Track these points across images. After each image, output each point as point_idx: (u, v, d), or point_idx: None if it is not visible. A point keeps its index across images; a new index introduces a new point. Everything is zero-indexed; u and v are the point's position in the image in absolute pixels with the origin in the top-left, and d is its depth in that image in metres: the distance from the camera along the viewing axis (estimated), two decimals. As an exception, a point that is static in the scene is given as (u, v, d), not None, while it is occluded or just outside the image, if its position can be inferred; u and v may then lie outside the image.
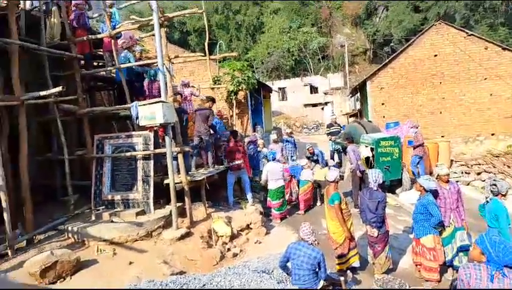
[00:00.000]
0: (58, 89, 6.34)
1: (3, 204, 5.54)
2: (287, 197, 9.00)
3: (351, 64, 38.31)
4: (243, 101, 14.19)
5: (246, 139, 11.00)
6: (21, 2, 7.86)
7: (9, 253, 5.53)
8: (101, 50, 9.41)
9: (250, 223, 7.40)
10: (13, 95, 6.30)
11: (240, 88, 13.39)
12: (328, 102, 34.84)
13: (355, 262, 5.52)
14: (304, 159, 9.71)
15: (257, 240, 7.03)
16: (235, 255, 6.34)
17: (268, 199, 8.57)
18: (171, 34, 40.41)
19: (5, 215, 5.50)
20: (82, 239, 6.16)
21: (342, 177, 6.30)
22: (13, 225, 5.73)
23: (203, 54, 11.27)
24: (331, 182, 5.56)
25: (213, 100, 8.87)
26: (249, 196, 8.56)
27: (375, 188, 5.39)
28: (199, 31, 42.00)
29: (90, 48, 8.82)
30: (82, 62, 8.64)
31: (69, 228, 6.33)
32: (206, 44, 9.36)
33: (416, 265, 5.53)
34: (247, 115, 14.43)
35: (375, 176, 5.40)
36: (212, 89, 12.00)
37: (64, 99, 7.38)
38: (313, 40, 39.08)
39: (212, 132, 8.66)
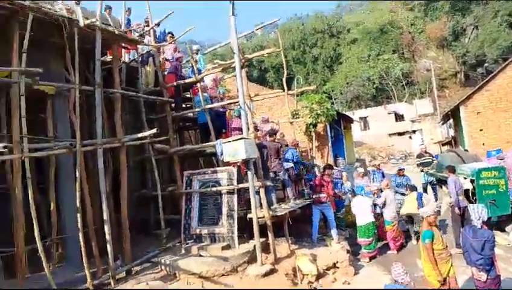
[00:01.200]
0: (154, 131, 6.98)
1: (107, 237, 6.11)
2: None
3: (440, 89, 35.70)
4: (322, 133, 14.02)
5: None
6: (123, 56, 9.05)
7: (112, 283, 6.01)
8: (189, 93, 10.23)
9: (337, 262, 7.02)
10: (116, 137, 7.09)
11: (319, 120, 13.29)
12: (416, 130, 32.64)
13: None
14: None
15: (345, 280, 6.62)
16: (321, 295, 6.03)
17: (357, 236, 8.12)
18: (251, 72, 42.47)
19: (108, 247, 6.05)
20: (173, 272, 6.45)
21: (438, 213, 5.70)
22: (114, 256, 6.27)
23: (281, 90, 11.55)
24: (425, 217, 5.07)
25: (275, 133, 8.74)
26: (334, 232, 8.19)
27: (479, 226, 4.75)
28: (276, 67, 43.49)
29: (179, 92, 9.64)
30: (172, 105, 9.47)
31: (162, 261, 6.69)
32: (284, 80, 9.60)
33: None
34: (327, 147, 14.16)
35: (478, 212, 4.78)
36: (291, 123, 12.10)
37: (158, 139, 8.06)
38: (395, 66, 37.61)
39: (288, 165, 8.56)
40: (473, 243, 4.71)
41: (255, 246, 6.55)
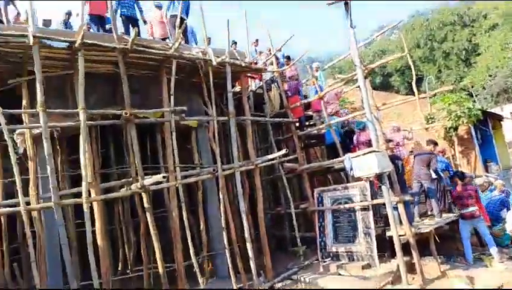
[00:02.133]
0: (283, 151, 7.29)
1: (250, 253, 6.53)
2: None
3: None
4: (465, 136, 12.36)
5: (477, 181, 9.34)
6: (249, 84, 9.79)
7: (256, 298, 6.37)
8: (310, 111, 10.36)
9: (502, 286, 5.96)
10: (249, 160, 7.61)
11: (460, 122, 11.78)
12: None
13: None
14: None
15: (515, 308, 5.56)
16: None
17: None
18: (373, 79, 40.58)
19: (251, 264, 6.46)
20: (313, 290, 6.47)
21: None
22: (257, 273, 6.64)
23: (408, 94, 10.70)
24: None
25: (435, 143, 8.04)
26: (493, 250, 7.00)
27: None
28: (401, 70, 40.51)
29: (303, 111, 9.85)
30: (297, 124, 9.73)
31: (302, 278, 6.78)
32: (413, 84, 8.89)
33: None
34: (473, 151, 12.39)
35: None
36: (426, 129, 11.04)
37: (287, 159, 8.34)
38: (553, 48, 31.01)
39: (435, 176, 7.76)
40: None
41: (398, 265, 6.08)
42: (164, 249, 7.18)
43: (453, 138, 11.97)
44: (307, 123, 10.90)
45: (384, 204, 6.40)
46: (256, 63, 9.60)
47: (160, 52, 6.32)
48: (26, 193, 5.08)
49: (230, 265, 6.27)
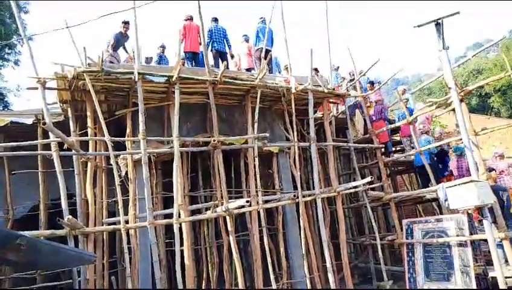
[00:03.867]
0: (368, 179, 7.02)
1: (331, 284, 6.30)
2: None
3: None
4: None
5: None
6: (331, 109, 9.71)
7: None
8: (398, 136, 9.84)
9: None
10: (331, 187, 7.45)
11: None
12: None
13: None
14: None
15: None
16: None
17: None
18: (469, 101, 37.08)
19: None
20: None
21: None
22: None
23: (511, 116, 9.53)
24: None
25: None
26: None
27: None
28: (502, 90, 36.31)
29: (389, 136, 9.41)
30: (383, 150, 9.30)
31: (388, 317, 6.30)
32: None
33: None
34: None
35: None
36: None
37: (372, 186, 7.98)
38: None
39: None
40: None
41: (505, 313, 5.30)
42: (245, 272, 7.34)
43: None
44: (394, 149, 10.36)
45: (485, 240, 5.70)
46: (339, 88, 9.54)
47: (246, 82, 6.68)
48: (125, 213, 5.65)
49: (314, 294, 6.12)
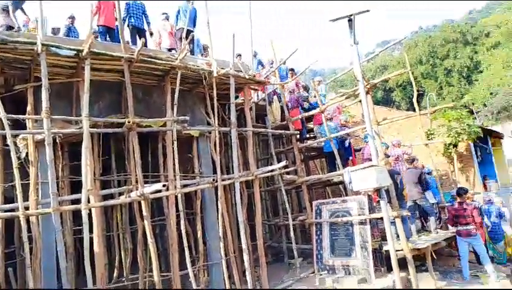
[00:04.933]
0: (283, 163, 7.34)
1: (246, 264, 6.54)
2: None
3: None
4: (465, 153, 12.39)
5: (478, 198, 9.38)
6: (252, 96, 9.90)
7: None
8: (312, 123, 10.45)
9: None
10: (249, 171, 7.65)
11: (460, 139, 11.81)
12: None
13: None
14: None
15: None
16: None
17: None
18: (374, 94, 40.76)
19: (248, 275, 6.47)
20: (308, 303, 6.46)
21: None
22: (252, 283, 6.64)
23: (410, 109, 10.79)
24: None
25: (413, 160, 8.10)
26: (489, 268, 6.99)
27: None
28: (403, 85, 40.74)
29: (303, 124, 9.93)
30: (298, 136, 9.80)
31: (297, 291, 6.79)
32: (414, 100, 8.99)
33: None
34: (472, 168, 12.41)
35: None
36: (426, 145, 11.06)
37: (286, 170, 8.38)
38: (557, 66, 31.20)
39: (433, 201, 7.80)
40: None
41: (394, 281, 6.08)
42: (161, 257, 7.22)
43: (453, 154, 11.99)
44: (308, 136, 10.98)
45: (381, 218, 6.42)
46: (260, 76, 9.73)
47: (166, 62, 6.43)
48: (26, 198, 5.12)
49: (225, 275, 6.27)
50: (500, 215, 8.44)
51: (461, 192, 7.56)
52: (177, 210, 6.31)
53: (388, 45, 9.32)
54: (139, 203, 5.88)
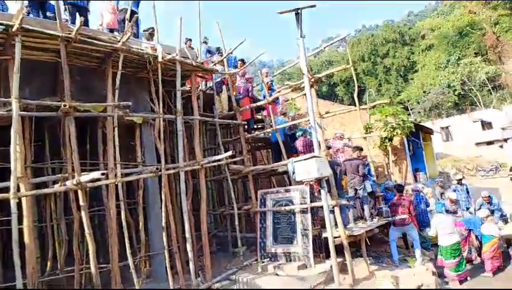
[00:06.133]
0: (229, 153, 7.36)
1: (189, 254, 6.50)
2: (465, 255, 7.68)
3: (536, 90, 31.80)
4: (399, 146, 13.35)
5: (408, 188, 10.15)
6: (200, 84, 9.75)
7: (194, 299, 6.36)
8: (261, 115, 10.56)
9: (422, 285, 6.53)
10: (195, 160, 7.57)
11: (395, 133, 12.69)
12: (509, 138, 29.23)
13: None
14: (484, 209, 8.29)
15: (432, 305, 6.14)
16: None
17: (439, 257, 7.49)
18: (319, 88, 42.22)
19: (191, 265, 6.44)
20: (251, 290, 6.60)
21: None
22: (195, 273, 6.63)
23: (351, 104, 11.34)
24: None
25: (360, 149, 8.59)
26: (418, 253, 7.65)
27: None
28: (346, 81, 42.69)
29: (251, 114, 10.01)
30: (245, 127, 9.85)
31: (240, 279, 6.89)
32: (355, 94, 9.45)
33: None
34: (405, 161, 13.42)
35: None
36: (364, 138, 11.73)
37: (233, 160, 8.41)
38: (479, 70, 34.47)
39: (370, 189, 8.28)
40: None
41: (331, 266, 6.42)
42: (100, 249, 6.92)
43: (388, 147, 12.85)
44: (255, 126, 11.09)
45: (322, 207, 6.72)
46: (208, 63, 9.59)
47: (107, 44, 6.09)
48: None
49: (168, 266, 6.19)
50: (427, 204, 9.24)
51: (400, 189, 8.32)
52: (118, 200, 6.07)
53: (333, 41, 9.69)
54: (76, 192, 5.57)
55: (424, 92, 37.22)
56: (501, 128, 30.13)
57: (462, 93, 35.62)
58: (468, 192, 10.42)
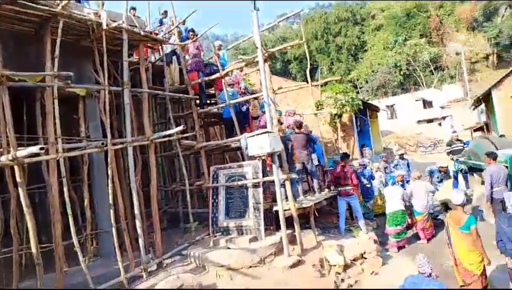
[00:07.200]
0: (180, 128, 7.15)
1: (139, 230, 6.36)
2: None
3: (471, 73, 34.33)
4: (347, 123, 13.87)
5: (355, 163, 10.63)
6: (148, 55, 9.30)
7: (144, 275, 6.28)
8: (213, 89, 10.36)
9: (364, 253, 6.98)
10: (144, 135, 7.29)
11: (344, 110, 13.15)
12: (446, 116, 31.56)
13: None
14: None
15: (373, 271, 6.59)
16: (349, 286, 6.04)
17: (386, 225, 8.07)
18: (273, 65, 42.34)
19: (140, 241, 6.31)
20: (203, 264, 6.64)
21: (469, 201, 5.59)
22: (145, 250, 6.54)
23: (304, 81, 11.49)
24: (458, 205, 4.99)
25: (299, 126, 8.70)
26: (361, 223, 8.11)
27: (515, 214, 4.62)
28: (300, 58, 43.13)
29: (203, 89, 9.78)
30: (197, 101, 9.64)
31: (191, 254, 6.90)
32: (307, 72, 9.56)
33: None
34: (353, 137, 14.01)
35: (513, 200, 4.64)
36: (315, 114, 12.02)
37: (185, 136, 8.23)
38: (423, 51, 36.39)
39: (317, 163, 8.52)
40: (507, 232, 4.59)
41: (281, 238, 6.62)
42: (44, 228, 6.55)
43: (337, 124, 13.32)
44: (209, 101, 10.90)
45: (273, 181, 6.84)
46: (157, 34, 9.14)
47: (45, 8, 5.54)
48: None
49: (116, 243, 6.02)
50: (371, 177, 9.76)
51: (344, 156, 8.53)
52: (60, 176, 5.72)
53: (286, 16, 9.62)
54: (12, 168, 5.16)
55: (373, 71, 38.71)
56: (440, 107, 32.35)
57: (407, 73, 37.57)
58: (408, 166, 11.19)
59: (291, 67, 44.78)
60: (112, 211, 6.00)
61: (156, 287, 5.45)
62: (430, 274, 3.87)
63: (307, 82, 10.87)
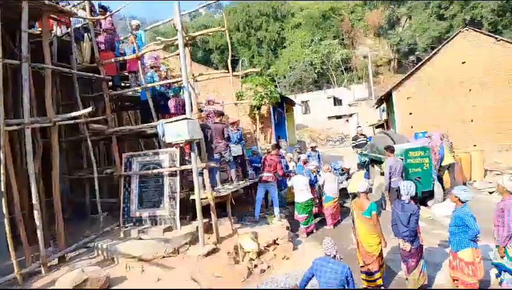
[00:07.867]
0: (88, 109, 6.55)
1: (37, 222, 5.70)
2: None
3: (376, 75, 37.91)
4: (266, 115, 14.22)
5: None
6: (54, 28, 8.31)
7: (43, 270, 5.67)
8: (127, 71, 9.69)
9: (277, 239, 7.28)
10: (46, 116, 6.54)
11: (263, 102, 13.45)
12: (353, 113, 34.42)
13: (380, 282, 5.37)
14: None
15: (284, 255, 6.90)
16: (262, 271, 6.23)
17: (295, 212, 8.51)
18: (195, 53, 41.53)
19: (39, 233, 5.67)
20: (111, 256, 6.24)
21: (370, 190, 6.16)
22: (46, 243, 5.90)
23: (226, 71, 11.41)
24: (362, 192, 5.47)
25: (221, 114, 8.74)
26: (276, 210, 8.42)
27: (407, 201, 5.21)
28: (221, 49, 42.99)
29: (117, 70, 9.12)
30: (110, 83, 8.94)
31: (99, 245, 6.44)
32: (229, 61, 9.50)
33: (453, 280, 5.24)
34: (270, 129, 14.43)
35: (407, 188, 5.22)
36: (236, 104, 12.07)
37: (94, 119, 7.59)
38: (336, 52, 39.02)
39: (238, 153, 8.57)
40: (400, 217, 5.16)
41: (197, 227, 6.55)
42: None
43: (256, 115, 13.58)
44: (123, 84, 10.19)
45: (191, 170, 6.69)
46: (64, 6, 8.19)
47: None
48: None
49: (9, 236, 5.32)
50: (287, 167, 10.19)
51: (275, 146, 8.80)
52: None
53: (208, 2, 9.42)
54: None
55: (290, 67, 40.34)
56: (348, 104, 35.16)
57: (321, 71, 39.93)
58: (319, 158, 11.96)
59: (213, 57, 44.40)
60: (3, 201, 5.28)
61: (57, 283, 4.96)
62: (335, 256, 4.17)
63: (228, 72, 10.85)
